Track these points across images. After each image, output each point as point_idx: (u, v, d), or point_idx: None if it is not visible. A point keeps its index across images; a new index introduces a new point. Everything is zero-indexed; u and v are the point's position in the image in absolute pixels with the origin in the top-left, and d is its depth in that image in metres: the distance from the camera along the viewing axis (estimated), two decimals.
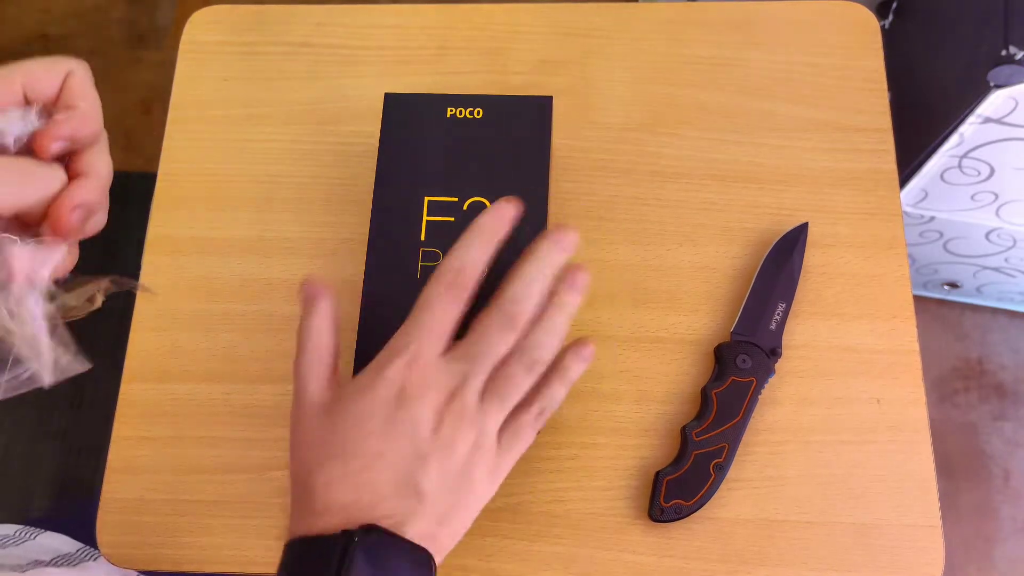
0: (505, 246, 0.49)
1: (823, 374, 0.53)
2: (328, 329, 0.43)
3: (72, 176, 0.37)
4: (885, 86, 0.59)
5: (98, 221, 0.38)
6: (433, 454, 0.40)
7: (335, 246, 0.57)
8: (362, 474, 0.40)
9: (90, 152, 0.37)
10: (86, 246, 0.39)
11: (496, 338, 0.42)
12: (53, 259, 0.35)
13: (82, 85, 0.37)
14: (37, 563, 0.52)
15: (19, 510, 1.18)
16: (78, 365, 0.36)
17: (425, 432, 0.41)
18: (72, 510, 1.17)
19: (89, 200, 0.36)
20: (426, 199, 0.50)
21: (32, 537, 0.55)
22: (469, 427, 0.41)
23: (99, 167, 0.37)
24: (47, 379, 0.35)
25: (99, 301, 0.37)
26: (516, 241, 0.49)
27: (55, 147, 0.35)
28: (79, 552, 0.55)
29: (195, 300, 0.56)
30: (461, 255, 0.43)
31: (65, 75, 0.37)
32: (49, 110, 0.36)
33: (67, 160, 0.37)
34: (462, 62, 0.62)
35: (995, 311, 1.25)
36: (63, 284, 0.37)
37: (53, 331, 0.35)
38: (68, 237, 0.36)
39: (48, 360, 0.35)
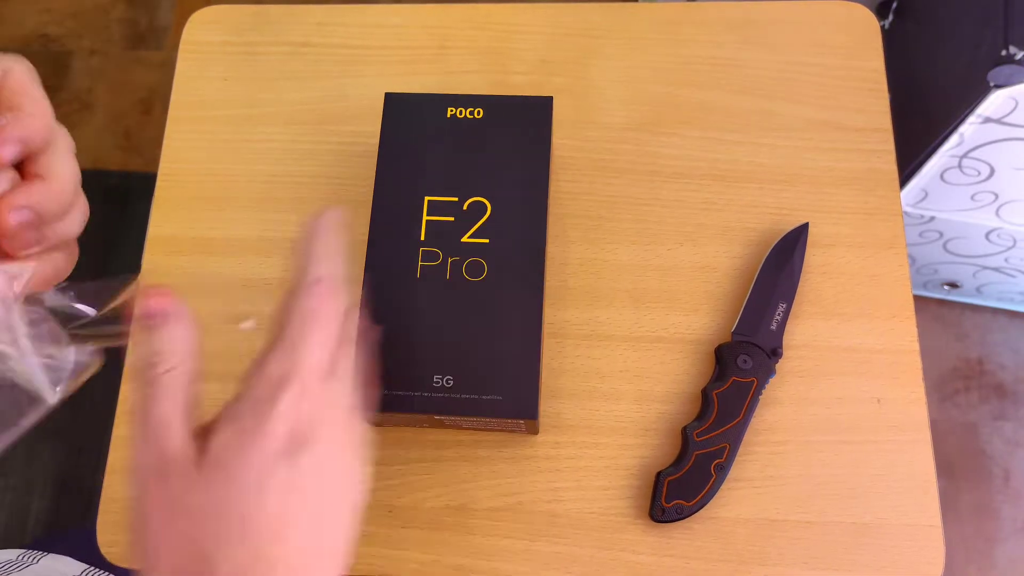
0: (505, 247, 0.49)
1: (823, 374, 0.53)
2: (189, 353, 0.35)
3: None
4: (885, 86, 0.59)
5: (70, 224, 0.35)
6: (355, 492, 0.35)
7: None
8: (274, 548, 0.32)
9: (48, 155, 0.34)
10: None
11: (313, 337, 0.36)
12: (23, 276, 0.33)
13: (22, 83, 0.33)
14: None
15: (19, 510, 1.18)
16: (88, 363, 0.35)
17: (332, 474, 0.34)
18: (73, 525, 1.17)
19: (36, 203, 0.33)
20: (426, 199, 0.50)
21: (35, 561, 0.54)
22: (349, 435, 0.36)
23: (59, 170, 0.34)
24: (49, 396, 0.33)
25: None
26: (514, 242, 0.49)
27: (6, 151, 0.32)
28: (84, 573, 0.54)
29: (195, 300, 0.56)
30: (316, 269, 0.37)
31: (0, 75, 0.33)
32: None
33: (23, 166, 0.34)
34: (463, 62, 0.62)
35: (995, 311, 1.25)
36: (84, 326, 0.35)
37: (46, 344, 0.33)
38: (11, 240, 0.33)
39: (42, 378, 0.33)
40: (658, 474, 0.50)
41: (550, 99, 0.53)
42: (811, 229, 0.55)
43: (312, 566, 0.33)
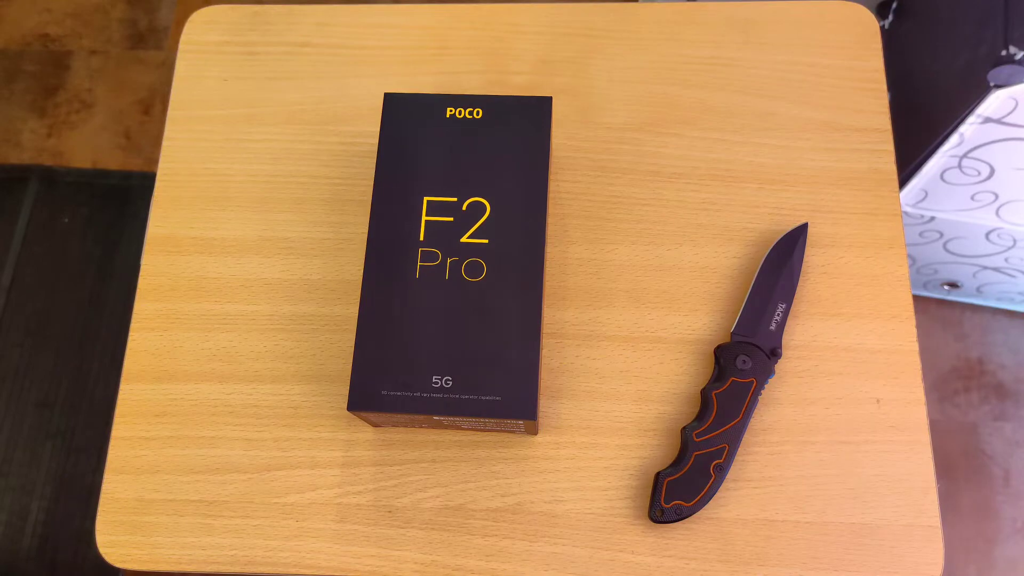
0: (505, 248, 0.49)
1: (823, 374, 0.53)
2: None
3: None
4: (885, 86, 0.59)
5: None
6: None
7: (335, 246, 0.57)
8: None
9: None
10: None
11: None
12: None
13: None
14: None
15: (19, 510, 1.18)
16: None
17: None
18: (73, 524, 1.17)
19: None
20: (425, 199, 0.50)
21: None
22: None
23: None
24: None
25: None
26: (513, 242, 0.49)
27: None
28: None
29: (195, 300, 0.56)
30: None
31: None
32: None
33: None
34: (462, 62, 0.62)
35: (995, 311, 1.25)
36: None
37: None
38: None
39: None
40: (657, 475, 0.50)
41: (549, 99, 0.53)
42: (811, 229, 0.55)
43: None
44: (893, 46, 0.88)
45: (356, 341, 0.48)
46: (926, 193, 0.94)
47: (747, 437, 0.51)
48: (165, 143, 0.61)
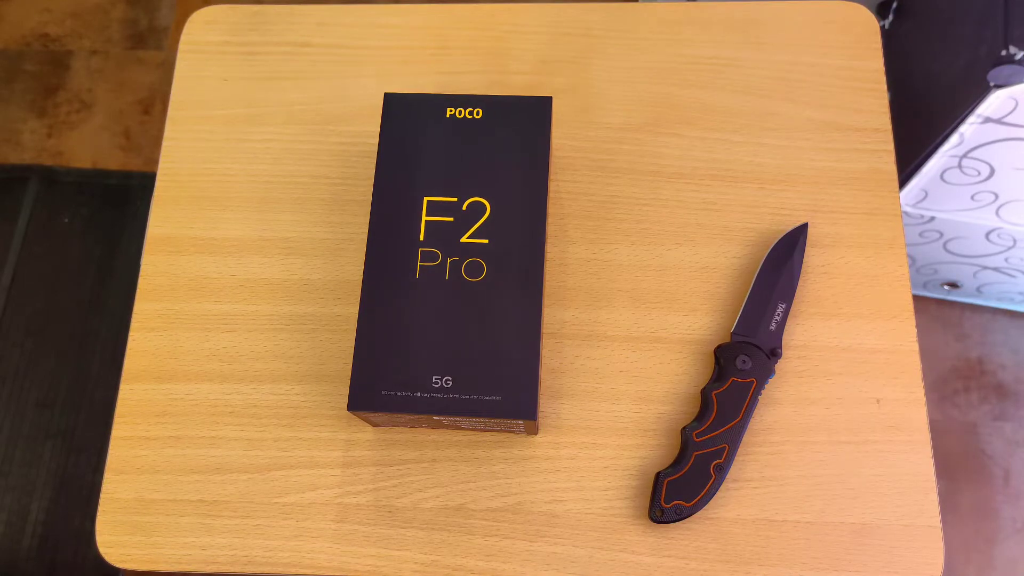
0: (505, 248, 0.49)
1: (823, 374, 0.53)
2: None
3: None
4: (885, 86, 0.59)
5: None
6: None
7: (335, 246, 0.57)
8: None
9: None
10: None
11: None
12: None
13: None
14: None
15: (19, 510, 1.18)
16: None
17: None
18: (73, 525, 1.17)
19: None
20: (425, 199, 0.50)
21: None
22: None
23: None
24: None
25: None
26: (513, 242, 0.49)
27: None
28: None
29: (195, 300, 0.56)
30: None
31: None
32: None
33: None
34: (462, 62, 0.62)
35: (995, 311, 1.25)
36: None
37: None
38: None
39: None
40: (657, 475, 0.50)
41: (549, 99, 0.53)
42: (811, 229, 0.55)
43: None
44: (893, 46, 0.88)
45: (356, 341, 0.48)
46: (926, 193, 0.94)
47: (747, 437, 0.51)
48: (165, 143, 0.61)
